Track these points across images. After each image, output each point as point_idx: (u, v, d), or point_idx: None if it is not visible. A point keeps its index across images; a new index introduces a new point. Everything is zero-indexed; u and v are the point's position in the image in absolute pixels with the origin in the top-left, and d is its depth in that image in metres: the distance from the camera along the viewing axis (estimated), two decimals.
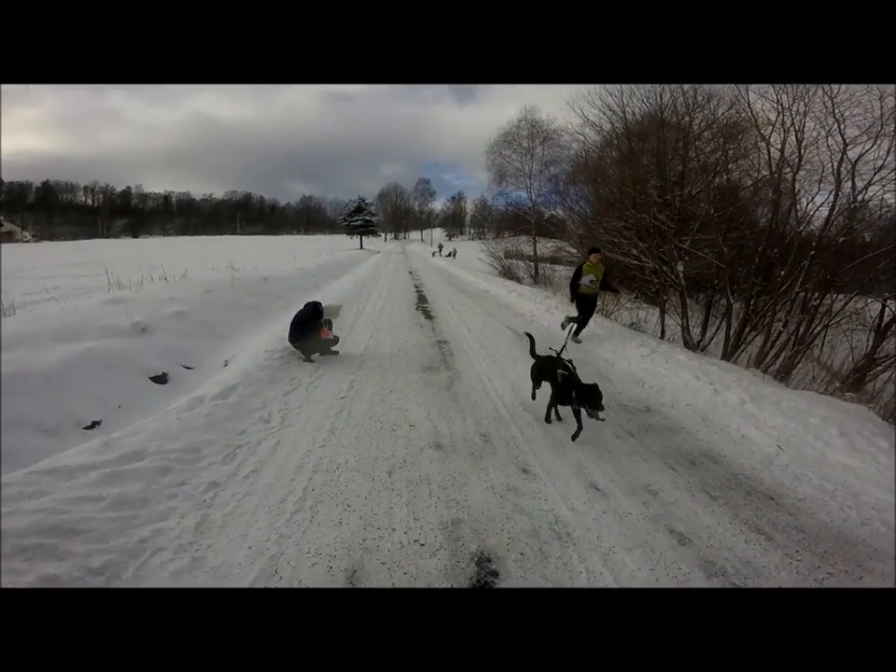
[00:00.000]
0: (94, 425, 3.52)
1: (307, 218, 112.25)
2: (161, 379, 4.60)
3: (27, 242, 66.04)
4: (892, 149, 5.74)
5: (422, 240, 71.65)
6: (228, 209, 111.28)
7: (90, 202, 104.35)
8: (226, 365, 5.16)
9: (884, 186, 5.96)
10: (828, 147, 6.33)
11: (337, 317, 5.73)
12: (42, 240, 69.60)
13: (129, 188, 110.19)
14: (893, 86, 5.56)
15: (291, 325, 5.20)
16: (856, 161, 6.05)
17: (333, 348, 5.41)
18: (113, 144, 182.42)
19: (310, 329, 5.14)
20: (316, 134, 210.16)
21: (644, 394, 4.60)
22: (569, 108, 11.84)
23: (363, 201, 45.79)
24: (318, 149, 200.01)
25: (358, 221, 43.55)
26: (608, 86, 10.79)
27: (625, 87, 10.38)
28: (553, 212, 20.22)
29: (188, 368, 5.09)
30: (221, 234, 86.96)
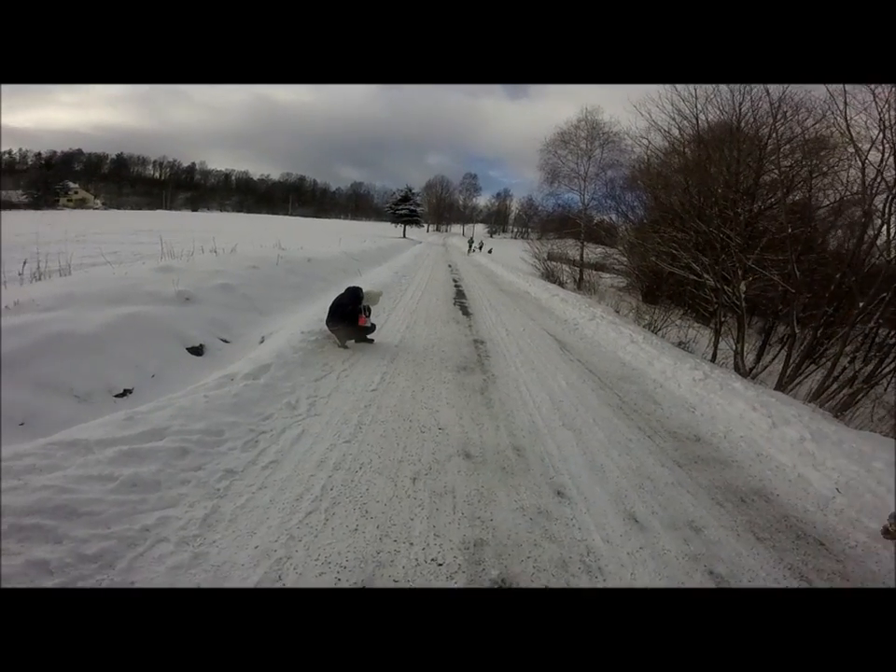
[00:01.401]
0: (126, 393, 3.50)
1: (355, 204, 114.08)
2: (197, 351, 4.62)
3: (97, 209, 70.16)
4: None
5: (462, 234, 71.18)
6: (282, 190, 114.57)
7: (157, 175, 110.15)
8: (262, 342, 5.15)
9: None
10: None
11: (376, 304, 5.62)
12: (110, 208, 73.59)
13: (193, 164, 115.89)
14: None
15: (330, 308, 5.13)
16: None
17: (369, 336, 5.31)
18: (181, 121, 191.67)
19: (348, 314, 5.05)
20: (368, 121, 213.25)
21: (694, 421, 4.25)
22: (635, 111, 11.36)
23: (410, 190, 45.79)
24: (369, 136, 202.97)
25: (403, 210, 43.63)
26: (681, 90, 10.24)
27: (701, 92, 9.83)
28: (605, 216, 19.39)
29: (225, 341, 5.12)
30: (274, 214, 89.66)
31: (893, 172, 5.90)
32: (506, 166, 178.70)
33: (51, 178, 74.11)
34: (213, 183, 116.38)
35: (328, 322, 5.10)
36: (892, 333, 6.02)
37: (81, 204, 72.49)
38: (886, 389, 6.31)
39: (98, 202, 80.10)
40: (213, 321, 5.31)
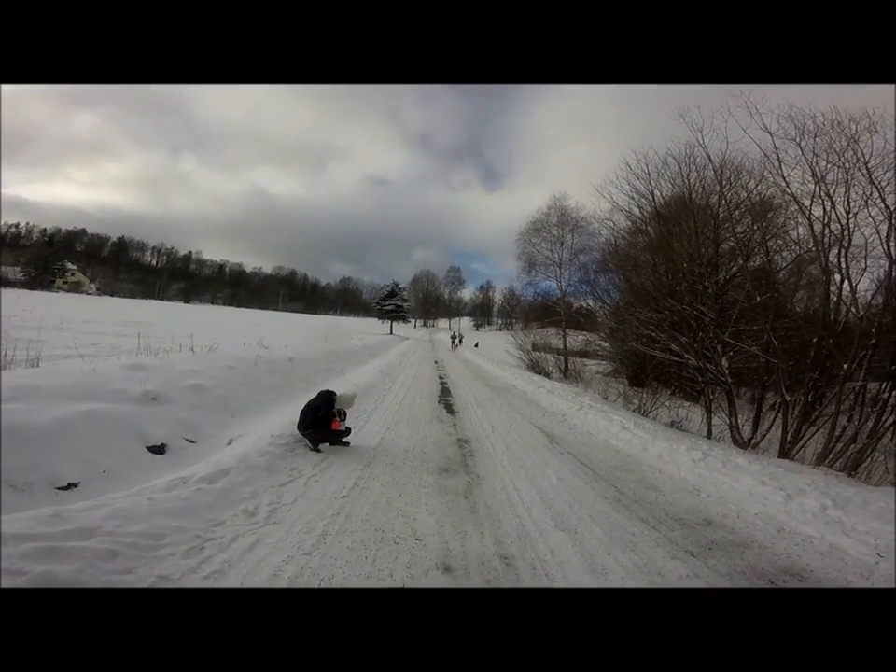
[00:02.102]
0: (70, 486, 3.31)
1: (344, 299, 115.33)
2: (158, 449, 4.34)
3: (90, 294, 68.87)
4: None
5: (449, 328, 72.49)
6: (274, 284, 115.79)
7: (154, 262, 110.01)
8: (230, 443, 4.86)
9: None
10: (872, 217, 5.74)
11: (351, 407, 5.39)
12: (104, 294, 72.56)
13: (190, 252, 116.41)
14: None
15: (301, 413, 4.91)
16: None
17: (344, 439, 5.02)
18: (183, 208, 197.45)
19: (321, 418, 4.81)
20: (357, 217, 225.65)
21: (701, 504, 3.96)
22: (598, 194, 11.70)
23: (397, 285, 46.73)
24: (359, 232, 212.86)
25: (390, 306, 44.25)
26: (635, 169, 10.38)
27: (653, 168, 10.03)
28: (583, 302, 19.83)
29: (190, 441, 4.83)
30: (265, 308, 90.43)
31: (839, 224, 5.91)
32: (487, 258, 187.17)
33: (51, 257, 73.72)
34: (207, 274, 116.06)
35: (299, 426, 4.86)
36: (885, 387, 5.79)
37: (76, 288, 71.34)
38: (893, 440, 5.97)
39: (93, 286, 78.83)
40: (180, 421, 5.04)
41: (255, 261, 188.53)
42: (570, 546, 2.93)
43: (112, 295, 72.97)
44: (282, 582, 2.27)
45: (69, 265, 77.98)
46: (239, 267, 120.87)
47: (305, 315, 79.42)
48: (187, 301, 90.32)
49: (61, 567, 2.07)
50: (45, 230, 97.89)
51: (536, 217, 22.49)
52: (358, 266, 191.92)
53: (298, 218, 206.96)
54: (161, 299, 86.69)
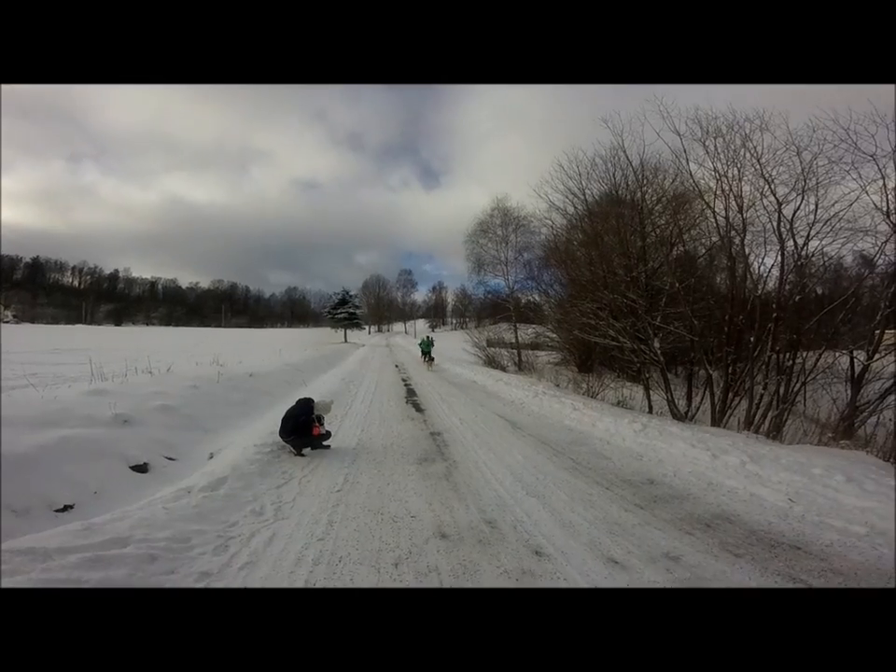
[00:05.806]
0: (66, 508, 3.42)
1: (291, 311, 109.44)
2: (141, 468, 4.44)
3: (7, 322, 62.28)
4: (819, 203, 6.07)
5: (405, 332, 70.87)
6: (213, 299, 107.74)
7: (77, 283, 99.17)
8: (211, 457, 5.00)
9: (822, 239, 6.24)
10: (764, 208, 6.64)
11: (328, 413, 5.68)
12: (23, 321, 65.87)
13: (116, 271, 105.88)
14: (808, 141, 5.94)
15: (283, 420, 5.15)
16: (791, 219, 6.33)
17: (325, 443, 5.32)
18: (92, 223, 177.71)
19: (301, 424, 5.08)
20: (289, 223, 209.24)
21: (644, 467, 4.66)
22: (535, 195, 11.84)
23: (347, 293, 45.46)
24: (293, 238, 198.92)
25: (342, 314, 43.14)
26: (568, 170, 10.75)
27: (583, 169, 10.40)
28: (530, 297, 20.45)
29: (170, 459, 4.92)
30: (206, 325, 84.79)
31: (741, 216, 6.78)
32: (436, 259, 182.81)
33: None
34: (138, 293, 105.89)
35: (281, 433, 5.09)
36: (787, 356, 6.69)
37: None
38: (805, 405, 6.97)
39: (8, 313, 71.14)
40: (156, 440, 5.13)
41: (188, 276, 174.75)
42: (542, 508, 3.49)
43: (32, 322, 66.14)
44: (307, 565, 2.59)
45: None
46: (173, 283, 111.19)
47: (252, 329, 75.71)
48: (118, 324, 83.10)
49: (113, 573, 2.29)
50: None
51: (481, 218, 22.88)
52: (300, 273, 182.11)
53: (225, 226, 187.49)
54: (90, 323, 78.77)
